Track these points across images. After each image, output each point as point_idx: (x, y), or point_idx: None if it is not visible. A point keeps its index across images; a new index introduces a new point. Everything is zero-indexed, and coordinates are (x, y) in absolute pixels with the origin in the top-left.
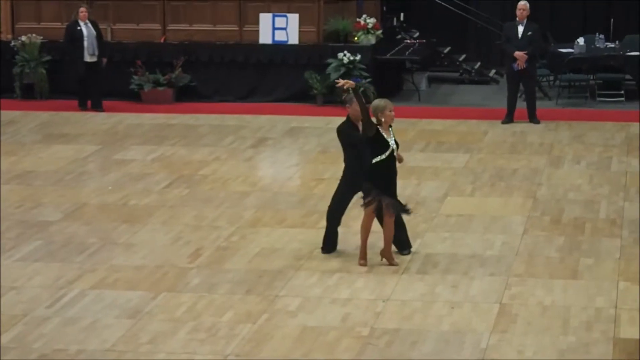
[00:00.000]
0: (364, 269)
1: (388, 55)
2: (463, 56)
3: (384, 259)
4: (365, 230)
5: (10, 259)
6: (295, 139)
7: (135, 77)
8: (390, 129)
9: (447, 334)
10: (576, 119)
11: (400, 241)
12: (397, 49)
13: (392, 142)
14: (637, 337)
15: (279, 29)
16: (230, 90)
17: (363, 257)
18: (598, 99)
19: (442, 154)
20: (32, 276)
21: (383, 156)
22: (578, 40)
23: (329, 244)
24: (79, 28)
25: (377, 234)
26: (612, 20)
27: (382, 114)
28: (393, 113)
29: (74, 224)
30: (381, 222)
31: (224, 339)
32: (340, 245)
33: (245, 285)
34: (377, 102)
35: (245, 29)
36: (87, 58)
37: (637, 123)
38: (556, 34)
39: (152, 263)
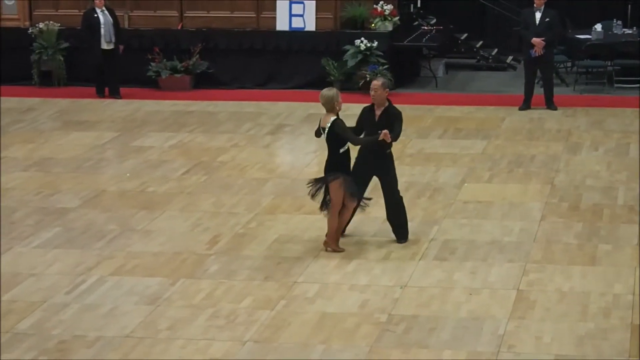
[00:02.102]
0: (382, 255)
1: (405, 42)
2: (480, 43)
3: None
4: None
5: (29, 246)
6: (313, 126)
7: (152, 64)
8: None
9: (465, 320)
10: (594, 105)
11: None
12: (414, 35)
13: None
14: None
15: (296, 15)
16: (248, 77)
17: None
18: (616, 85)
19: (460, 141)
20: (51, 263)
21: (347, 146)
22: (595, 26)
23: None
24: (95, 15)
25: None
26: (629, 6)
27: (338, 103)
28: (341, 101)
29: (93, 211)
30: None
31: (242, 325)
32: (358, 232)
33: (263, 272)
34: (329, 92)
35: (262, 15)
36: (104, 45)
37: None
38: (574, 20)
39: (171, 250)
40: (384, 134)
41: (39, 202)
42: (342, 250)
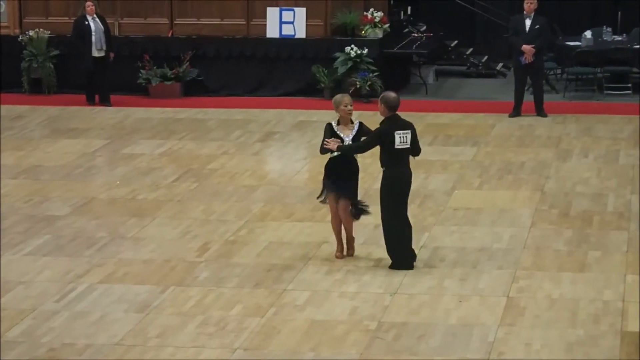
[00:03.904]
0: (372, 262)
1: (395, 49)
2: (470, 50)
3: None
4: (334, 225)
5: (19, 254)
6: (303, 133)
7: (142, 71)
8: (354, 123)
9: (455, 327)
10: (584, 112)
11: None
12: (404, 42)
13: (347, 139)
14: None
15: (286, 22)
16: (238, 85)
17: (339, 250)
18: (605, 92)
19: (450, 148)
20: (41, 270)
21: (337, 153)
22: (585, 33)
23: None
24: (86, 23)
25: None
26: (619, 13)
27: (337, 109)
28: (348, 108)
29: (82, 219)
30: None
31: (232, 332)
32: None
33: (253, 279)
34: (336, 97)
35: (252, 23)
36: (95, 53)
37: None
38: (564, 27)
39: (161, 257)
40: (327, 141)
41: (28, 210)
42: (341, 257)
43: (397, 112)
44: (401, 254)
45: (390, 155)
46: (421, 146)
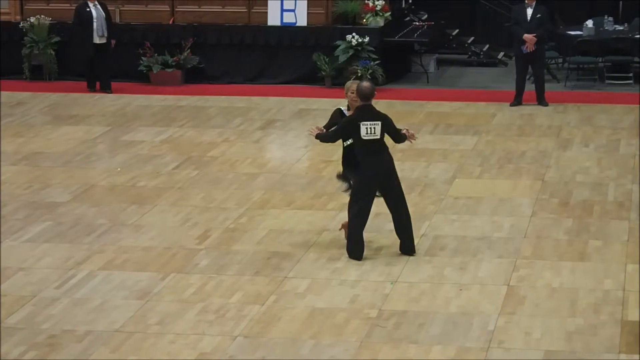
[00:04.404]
0: (372, 250)
1: (396, 38)
2: (471, 38)
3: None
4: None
5: (19, 240)
6: (304, 121)
7: (143, 58)
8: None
9: (455, 315)
10: (585, 101)
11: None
12: (405, 31)
13: None
14: None
15: (288, 10)
16: (239, 72)
17: (345, 226)
18: (606, 81)
19: (451, 136)
20: (41, 257)
21: (350, 140)
22: (587, 22)
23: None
24: (88, 9)
25: (384, 215)
26: (620, 2)
27: (346, 95)
28: (353, 95)
29: (83, 205)
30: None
31: (232, 320)
32: None
33: (253, 267)
34: (347, 82)
35: (253, 10)
36: (96, 39)
37: None
38: (565, 16)
39: (161, 244)
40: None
41: (28, 196)
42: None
43: (371, 103)
44: (350, 240)
45: (360, 145)
46: (422, 135)
